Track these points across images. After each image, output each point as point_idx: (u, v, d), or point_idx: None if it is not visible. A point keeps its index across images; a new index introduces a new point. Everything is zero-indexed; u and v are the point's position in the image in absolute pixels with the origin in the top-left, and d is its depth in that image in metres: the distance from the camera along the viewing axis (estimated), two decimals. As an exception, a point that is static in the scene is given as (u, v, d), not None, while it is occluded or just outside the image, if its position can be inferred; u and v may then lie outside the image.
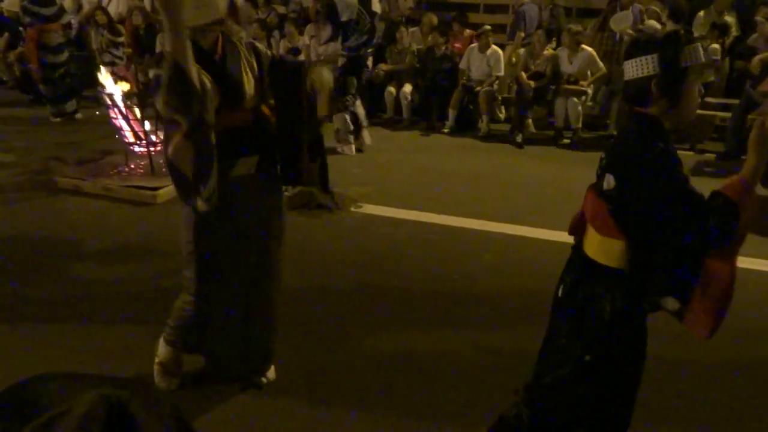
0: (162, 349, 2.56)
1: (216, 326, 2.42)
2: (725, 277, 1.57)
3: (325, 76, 2.41)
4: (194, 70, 1.88)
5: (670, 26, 6.90)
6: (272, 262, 2.44)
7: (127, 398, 0.61)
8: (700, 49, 1.61)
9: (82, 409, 0.56)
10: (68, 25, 7.63)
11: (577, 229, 1.90)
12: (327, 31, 6.16)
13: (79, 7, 9.79)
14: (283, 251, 2.48)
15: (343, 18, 5.94)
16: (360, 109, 6.38)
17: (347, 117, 6.23)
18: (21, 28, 8.38)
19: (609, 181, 1.65)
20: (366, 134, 6.49)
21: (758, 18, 6.42)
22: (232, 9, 2.11)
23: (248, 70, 2.24)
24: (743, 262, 3.95)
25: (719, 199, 1.53)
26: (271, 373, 2.64)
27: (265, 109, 2.31)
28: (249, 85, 2.23)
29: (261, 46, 2.35)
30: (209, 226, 2.24)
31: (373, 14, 6.04)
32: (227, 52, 2.19)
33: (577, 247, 1.87)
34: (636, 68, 1.64)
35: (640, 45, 1.66)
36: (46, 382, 0.69)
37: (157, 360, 2.57)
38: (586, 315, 1.73)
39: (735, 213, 1.51)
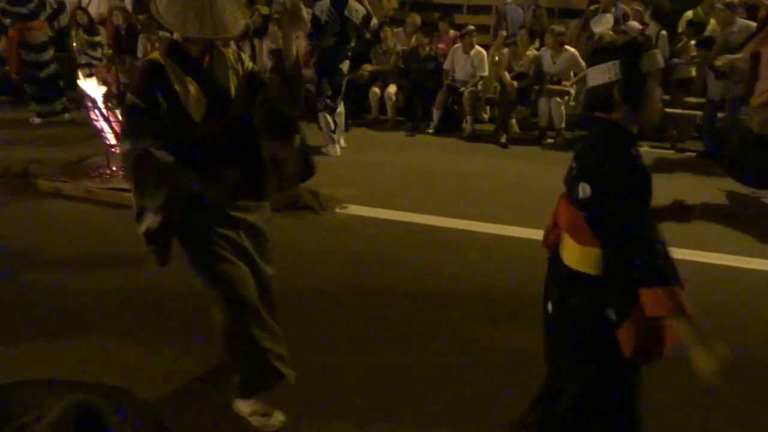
0: (243, 407, 2.41)
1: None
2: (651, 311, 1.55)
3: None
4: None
5: (653, 26, 6.98)
6: (263, 259, 2.44)
7: (99, 404, 0.60)
8: (659, 55, 1.66)
9: (54, 415, 0.55)
10: (51, 20, 7.48)
11: (552, 241, 1.89)
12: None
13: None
14: (270, 246, 2.50)
15: (322, 19, 5.98)
16: (341, 116, 6.39)
17: (329, 117, 6.22)
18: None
19: (584, 190, 1.64)
20: (341, 139, 6.47)
21: (718, 5, 6.49)
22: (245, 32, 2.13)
23: (234, 77, 2.24)
24: (733, 260, 4.01)
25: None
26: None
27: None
28: (236, 93, 2.23)
29: (246, 56, 2.35)
30: (216, 252, 2.22)
31: (346, 19, 6.05)
32: (215, 61, 2.19)
33: (556, 259, 1.85)
34: (599, 75, 1.66)
35: (602, 52, 1.68)
36: (19, 388, 0.67)
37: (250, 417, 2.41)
38: (579, 327, 1.73)
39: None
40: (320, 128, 6.30)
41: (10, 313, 3.16)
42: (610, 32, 6.69)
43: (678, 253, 4.16)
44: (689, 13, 7.53)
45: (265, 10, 9.38)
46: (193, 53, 2.14)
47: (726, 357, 1.51)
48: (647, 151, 6.86)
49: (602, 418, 1.80)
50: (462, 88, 7.33)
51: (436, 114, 7.45)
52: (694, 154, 6.68)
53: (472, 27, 7.53)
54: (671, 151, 6.79)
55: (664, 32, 7.07)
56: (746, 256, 4.02)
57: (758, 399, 2.63)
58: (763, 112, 4.94)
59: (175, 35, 2.17)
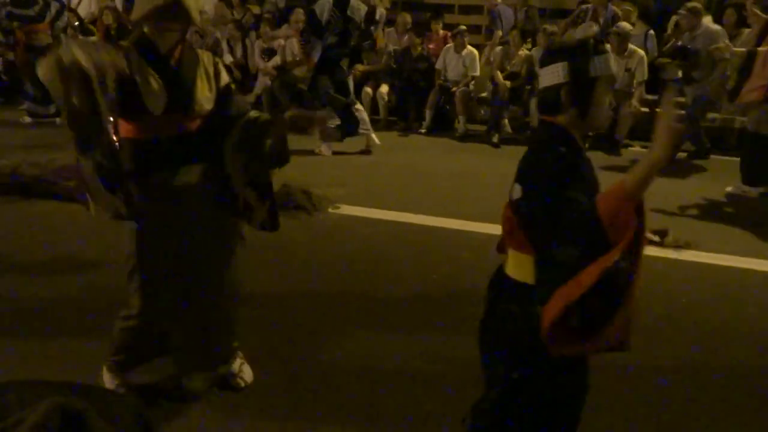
0: (107, 377, 2.44)
1: (169, 330, 2.39)
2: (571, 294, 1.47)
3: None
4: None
5: (640, 26, 7.01)
6: (223, 268, 2.38)
7: (82, 407, 0.58)
8: (610, 59, 1.61)
9: (36, 418, 0.53)
10: (53, 22, 7.42)
11: (503, 246, 1.85)
12: (317, 49, 6.16)
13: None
14: (235, 257, 2.44)
15: (323, 19, 5.97)
16: (362, 112, 6.39)
17: (362, 113, 6.24)
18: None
19: (516, 191, 1.62)
20: (373, 136, 6.49)
21: (681, 11, 6.50)
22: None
23: (204, 78, 2.23)
24: (728, 260, 4.03)
25: (590, 210, 1.45)
26: (248, 375, 2.59)
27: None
28: (202, 93, 2.21)
29: (224, 69, 2.34)
30: (153, 237, 2.21)
31: (348, 19, 6.06)
32: (184, 58, 2.19)
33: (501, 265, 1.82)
34: (548, 76, 1.62)
35: (552, 54, 1.64)
36: (2, 391, 0.65)
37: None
38: (504, 333, 1.70)
39: (595, 232, 1.43)
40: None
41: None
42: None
43: (670, 253, 4.19)
44: (677, 17, 7.55)
45: (257, 9, 9.36)
46: (161, 47, 2.14)
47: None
48: (639, 152, 6.90)
49: (523, 425, 1.74)
50: (454, 88, 7.34)
51: (428, 114, 7.46)
52: (684, 154, 6.71)
53: (463, 27, 7.54)
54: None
55: (651, 32, 7.10)
56: (739, 256, 4.04)
57: (746, 395, 2.64)
58: (757, 110, 4.98)
59: (146, 29, 2.16)
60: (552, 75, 1.61)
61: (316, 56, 6.11)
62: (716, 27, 6.14)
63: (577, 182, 1.52)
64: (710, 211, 4.91)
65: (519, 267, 1.67)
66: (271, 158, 2.33)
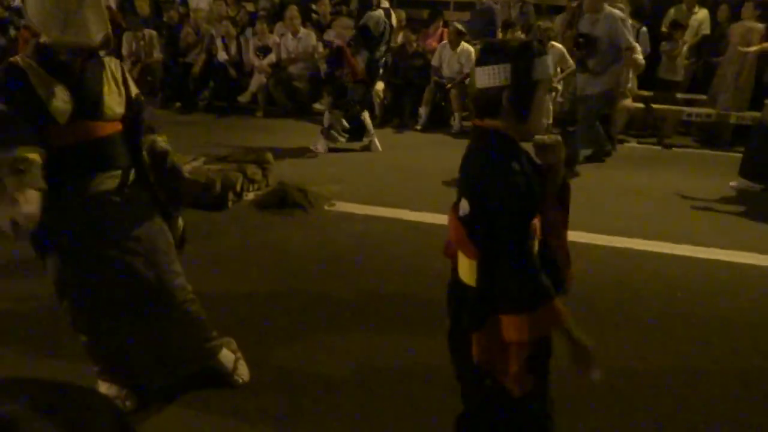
0: (100, 386, 2.43)
1: (116, 348, 2.34)
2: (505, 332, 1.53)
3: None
4: None
5: (632, 24, 7.01)
6: (162, 272, 2.30)
7: (18, 414, 0.56)
8: (549, 62, 1.57)
9: None
10: None
11: (450, 254, 1.82)
12: (364, 59, 6.22)
13: None
14: (172, 258, 2.36)
15: (378, 31, 6.08)
16: (368, 120, 6.42)
17: (343, 118, 6.22)
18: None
19: (463, 207, 1.57)
20: (376, 142, 6.52)
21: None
22: (107, 42, 2.14)
23: (112, 82, 2.20)
24: (711, 253, 4.04)
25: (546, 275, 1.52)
26: (245, 373, 2.59)
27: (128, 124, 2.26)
28: (110, 97, 2.18)
29: (132, 80, 2.32)
30: (74, 256, 2.18)
31: (392, 27, 6.29)
32: (88, 67, 2.15)
33: (454, 270, 1.78)
34: (488, 77, 1.53)
35: (493, 53, 1.54)
36: None
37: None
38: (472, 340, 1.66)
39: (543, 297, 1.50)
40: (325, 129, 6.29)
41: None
42: None
43: (666, 248, 4.20)
44: (671, 11, 7.57)
45: (251, 7, 9.34)
46: (62, 56, 2.09)
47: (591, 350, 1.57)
48: (634, 147, 6.92)
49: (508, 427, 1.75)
50: (449, 85, 7.33)
51: (424, 111, 7.45)
52: (680, 149, 6.73)
53: (459, 25, 7.53)
54: (658, 147, 6.83)
55: (644, 29, 7.11)
56: (734, 250, 4.05)
57: (742, 387, 2.65)
58: None
59: (43, 38, 2.09)
60: (492, 76, 1.53)
61: (362, 65, 6.15)
62: (619, 13, 5.71)
63: (527, 204, 1.54)
64: (705, 206, 4.92)
65: (473, 273, 1.62)
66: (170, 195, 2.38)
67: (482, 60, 1.56)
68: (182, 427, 2.36)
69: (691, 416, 2.47)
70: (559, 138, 1.67)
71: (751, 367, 2.82)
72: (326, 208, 4.71)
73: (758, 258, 3.95)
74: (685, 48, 7.20)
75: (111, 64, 2.24)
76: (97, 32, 2.07)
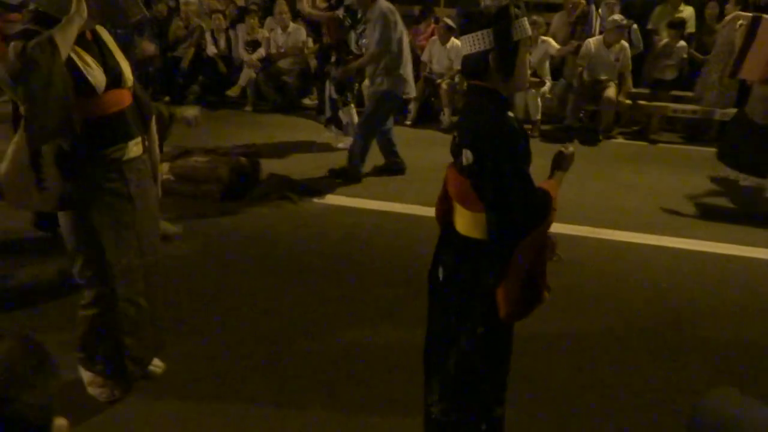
0: (84, 375, 2.42)
1: (133, 319, 2.36)
2: (523, 264, 1.66)
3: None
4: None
5: (622, 21, 7.07)
6: (156, 241, 2.44)
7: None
8: (527, 23, 1.69)
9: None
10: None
11: (444, 214, 1.94)
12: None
13: None
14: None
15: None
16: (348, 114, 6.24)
17: (353, 111, 6.11)
18: None
19: (467, 156, 1.67)
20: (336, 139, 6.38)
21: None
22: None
23: (119, 50, 2.25)
24: (707, 246, 4.09)
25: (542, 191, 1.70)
26: (159, 362, 2.59)
27: (136, 88, 2.33)
28: (125, 64, 2.24)
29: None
30: (109, 219, 2.20)
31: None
32: (97, 33, 2.20)
33: (448, 228, 1.89)
34: (472, 43, 1.66)
35: (475, 20, 1.66)
36: None
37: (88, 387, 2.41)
38: (473, 289, 1.76)
39: (549, 205, 1.67)
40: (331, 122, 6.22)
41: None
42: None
43: (654, 240, 4.25)
44: (658, 9, 7.62)
45: (240, 1, 9.29)
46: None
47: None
48: (622, 143, 6.98)
49: (484, 378, 1.87)
50: (439, 81, 7.35)
51: (413, 106, 7.46)
52: (666, 145, 6.81)
53: (449, 20, 7.54)
54: (644, 143, 6.90)
55: (635, 26, 7.16)
56: (719, 242, 4.11)
57: (728, 372, 2.70)
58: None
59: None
60: (476, 42, 1.65)
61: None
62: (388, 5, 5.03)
63: (524, 147, 1.69)
64: (690, 200, 4.98)
65: (477, 226, 1.73)
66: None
67: (464, 28, 1.69)
68: (167, 413, 2.36)
69: (679, 398, 2.52)
70: (573, 150, 1.87)
71: (740, 353, 2.88)
72: (315, 200, 4.71)
73: (741, 249, 4.02)
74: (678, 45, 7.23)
75: (103, 33, 2.25)
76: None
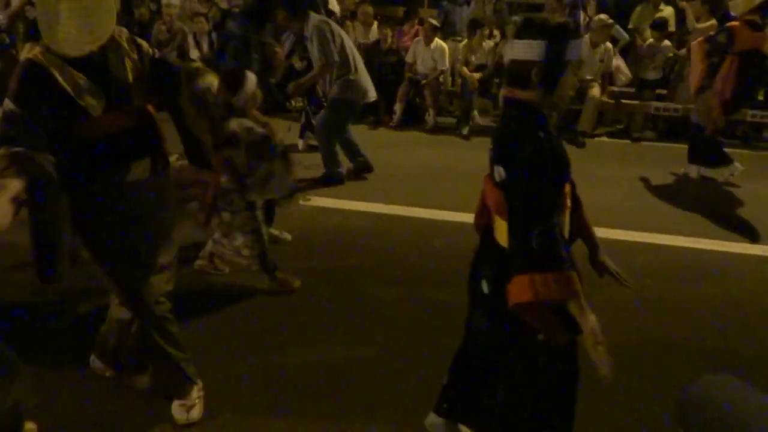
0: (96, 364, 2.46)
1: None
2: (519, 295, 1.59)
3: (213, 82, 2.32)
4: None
5: (608, 20, 7.14)
6: (173, 260, 2.35)
7: None
8: (583, 45, 1.66)
9: None
10: None
11: (482, 222, 1.92)
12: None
13: (7, 4, 9.29)
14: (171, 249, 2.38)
15: None
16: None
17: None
18: None
19: (500, 173, 1.66)
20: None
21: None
22: None
23: (131, 65, 2.11)
24: (685, 241, 4.14)
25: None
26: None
27: (150, 108, 2.20)
28: (135, 83, 2.10)
29: (144, 42, 2.23)
30: (116, 243, 2.15)
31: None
32: (108, 50, 2.04)
33: (487, 238, 1.86)
34: (523, 50, 1.63)
35: (533, 28, 1.63)
36: None
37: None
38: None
39: (558, 262, 1.58)
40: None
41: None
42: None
43: (636, 236, 4.28)
44: (638, 8, 7.70)
45: (224, 4, 9.26)
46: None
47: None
48: (605, 141, 7.05)
49: (532, 401, 1.81)
50: (424, 81, 7.38)
51: (398, 107, 7.48)
52: (649, 142, 6.89)
53: (434, 20, 7.58)
54: (627, 141, 6.98)
55: (617, 26, 7.24)
56: (698, 237, 4.17)
57: (703, 361, 2.74)
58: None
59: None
60: (528, 50, 1.62)
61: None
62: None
63: (555, 168, 1.63)
64: (671, 196, 5.06)
65: None
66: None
67: (520, 33, 1.65)
68: (159, 423, 2.35)
69: (660, 387, 2.55)
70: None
71: (712, 346, 2.93)
72: (301, 202, 4.70)
73: (720, 244, 4.09)
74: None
75: (123, 41, 2.12)
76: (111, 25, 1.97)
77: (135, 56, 2.14)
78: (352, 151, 5.49)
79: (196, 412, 2.34)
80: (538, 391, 1.81)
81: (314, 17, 4.92)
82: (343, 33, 5.09)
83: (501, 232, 1.75)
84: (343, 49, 4.96)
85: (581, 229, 1.92)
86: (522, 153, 1.61)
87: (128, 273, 2.20)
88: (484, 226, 1.91)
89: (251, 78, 3.19)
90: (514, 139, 1.65)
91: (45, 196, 1.86)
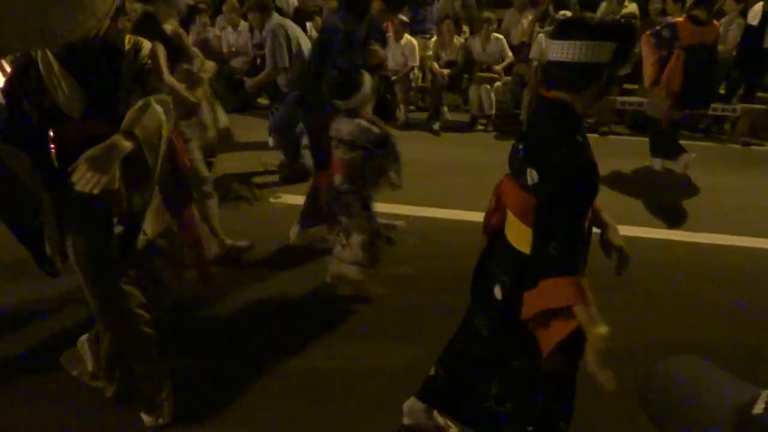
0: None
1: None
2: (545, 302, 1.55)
3: None
4: None
5: (557, 16, 7.18)
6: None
7: None
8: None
9: None
10: None
11: (493, 223, 1.85)
12: None
13: None
14: None
15: None
16: None
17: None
18: None
19: (533, 176, 1.59)
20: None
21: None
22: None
23: (128, 77, 2.02)
24: (643, 231, 4.21)
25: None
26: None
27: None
28: (125, 97, 2.01)
29: (145, 45, 2.08)
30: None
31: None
32: (105, 59, 1.97)
33: (500, 242, 1.79)
34: (590, 52, 1.54)
35: (601, 30, 1.55)
36: None
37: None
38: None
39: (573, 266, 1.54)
40: None
41: None
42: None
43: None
44: (603, 4, 7.80)
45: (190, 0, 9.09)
46: (79, 48, 1.92)
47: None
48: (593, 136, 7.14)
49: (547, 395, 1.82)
50: (394, 78, 7.37)
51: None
52: (617, 136, 7.01)
53: (404, 17, 7.56)
54: (595, 135, 7.09)
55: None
56: (667, 228, 4.26)
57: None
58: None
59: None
60: (595, 51, 1.54)
61: None
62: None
63: (591, 177, 1.56)
64: (639, 189, 5.16)
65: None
66: None
67: (587, 35, 1.55)
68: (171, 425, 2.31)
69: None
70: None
71: (679, 338, 3.00)
72: (271, 200, 4.66)
73: (689, 236, 4.18)
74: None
75: (130, 53, 2.01)
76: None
77: (131, 59, 2.04)
78: (295, 150, 5.27)
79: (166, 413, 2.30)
80: (541, 394, 1.81)
81: (275, 17, 4.81)
82: (300, 36, 4.86)
83: (519, 235, 1.69)
84: (300, 56, 4.72)
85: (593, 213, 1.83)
86: (561, 159, 1.53)
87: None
88: (495, 227, 1.84)
89: (368, 79, 3.09)
90: (553, 142, 1.57)
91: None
